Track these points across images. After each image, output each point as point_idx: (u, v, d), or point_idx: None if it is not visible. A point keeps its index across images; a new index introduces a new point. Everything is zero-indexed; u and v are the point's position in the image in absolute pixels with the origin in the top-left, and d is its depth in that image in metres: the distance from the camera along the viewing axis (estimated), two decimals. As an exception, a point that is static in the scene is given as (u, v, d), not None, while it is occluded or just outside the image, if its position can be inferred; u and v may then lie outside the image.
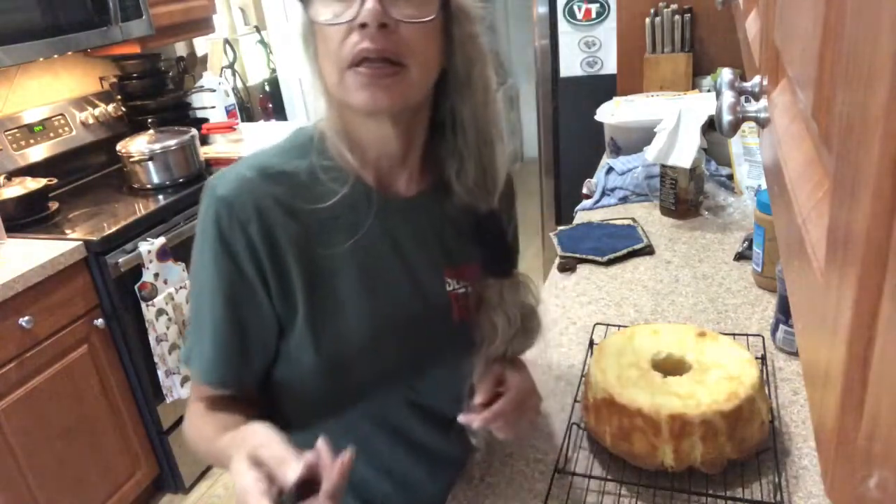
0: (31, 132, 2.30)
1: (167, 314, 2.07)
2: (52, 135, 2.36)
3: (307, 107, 3.57)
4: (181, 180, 2.32)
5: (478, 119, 0.78)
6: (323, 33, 0.71)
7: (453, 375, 0.85)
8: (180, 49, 2.96)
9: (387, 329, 0.82)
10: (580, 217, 1.82)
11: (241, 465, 0.63)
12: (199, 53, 3.01)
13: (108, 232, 1.95)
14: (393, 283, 0.82)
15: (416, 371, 0.86)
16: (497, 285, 0.86)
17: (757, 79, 0.58)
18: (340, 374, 0.81)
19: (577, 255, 1.53)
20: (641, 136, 1.89)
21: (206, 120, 2.84)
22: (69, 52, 2.18)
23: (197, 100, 2.89)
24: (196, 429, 0.83)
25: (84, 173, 2.48)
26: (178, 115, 2.71)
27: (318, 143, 0.79)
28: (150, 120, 2.42)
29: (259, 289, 0.76)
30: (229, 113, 2.99)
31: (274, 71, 3.77)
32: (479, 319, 0.86)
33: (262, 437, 0.69)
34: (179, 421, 2.20)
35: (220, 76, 3.13)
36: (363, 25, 0.67)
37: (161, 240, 2.05)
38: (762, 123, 0.52)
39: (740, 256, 1.45)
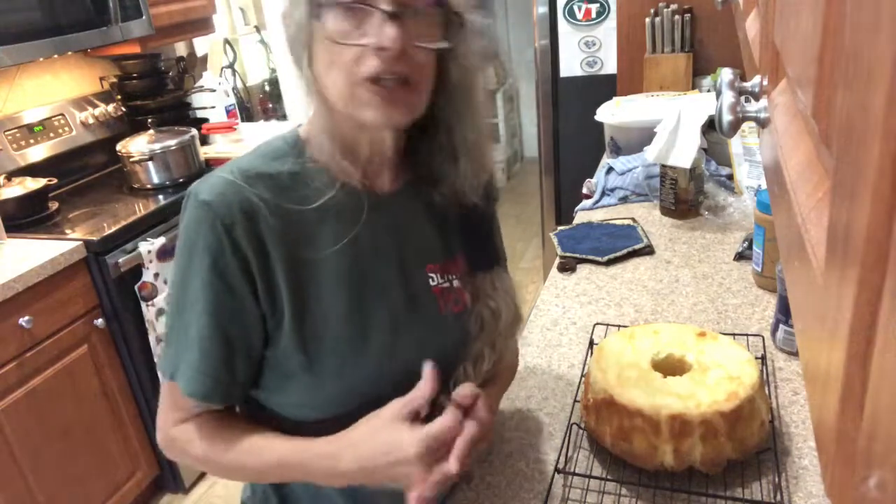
0: (31, 132, 2.30)
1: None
2: (52, 135, 2.36)
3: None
4: (181, 180, 2.32)
5: (465, 115, 0.80)
6: (330, 46, 0.71)
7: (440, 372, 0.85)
8: (180, 49, 2.96)
9: (374, 330, 0.80)
10: (580, 217, 1.82)
11: (391, 435, 0.72)
12: (199, 53, 3.00)
13: (108, 232, 1.95)
14: (378, 282, 0.81)
15: (403, 370, 0.83)
16: (487, 276, 0.87)
17: (757, 79, 0.58)
18: (327, 379, 0.79)
19: (577, 255, 1.53)
20: (641, 136, 1.89)
21: (206, 120, 2.84)
22: (69, 52, 2.18)
23: (197, 100, 2.89)
24: (217, 445, 0.79)
25: (84, 173, 2.48)
26: (178, 115, 2.70)
27: (298, 147, 0.80)
28: (150, 120, 2.42)
29: (248, 296, 0.75)
30: (229, 113, 3.00)
31: (274, 71, 3.78)
32: (476, 309, 0.86)
33: (364, 423, 0.75)
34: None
35: (220, 76, 3.13)
36: (381, 48, 0.68)
37: (161, 240, 2.05)
38: (762, 123, 0.52)
39: (740, 256, 1.45)
